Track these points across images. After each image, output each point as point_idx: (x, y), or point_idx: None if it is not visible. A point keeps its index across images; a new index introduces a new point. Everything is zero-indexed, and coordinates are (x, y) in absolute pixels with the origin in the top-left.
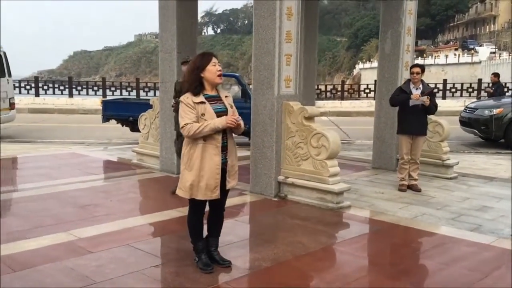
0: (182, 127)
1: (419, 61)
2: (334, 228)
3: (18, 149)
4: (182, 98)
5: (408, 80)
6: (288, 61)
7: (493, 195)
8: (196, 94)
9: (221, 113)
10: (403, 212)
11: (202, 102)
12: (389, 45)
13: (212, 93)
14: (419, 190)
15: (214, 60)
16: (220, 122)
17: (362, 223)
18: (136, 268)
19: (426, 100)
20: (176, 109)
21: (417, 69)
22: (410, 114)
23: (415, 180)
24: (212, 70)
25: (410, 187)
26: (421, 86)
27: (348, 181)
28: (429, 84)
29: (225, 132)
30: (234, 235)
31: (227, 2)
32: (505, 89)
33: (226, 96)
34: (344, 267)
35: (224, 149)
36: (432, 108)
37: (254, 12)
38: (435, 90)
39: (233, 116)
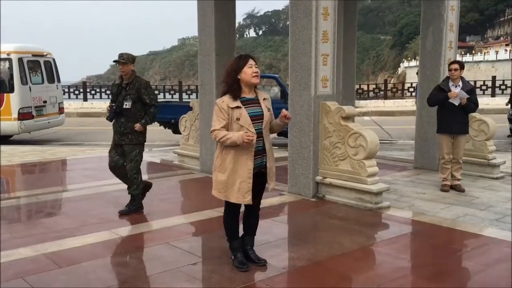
0: (212, 131)
1: (468, 57)
2: (372, 228)
3: (66, 152)
4: (218, 101)
5: (447, 78)
6: (325, 61)
7: None
8: (234, 97)
9: (257, 117)
10: (445, 212)
11: (238, 107)
12: (430, 42)
13: (250, 95)
14: (463, 191)
15: (250, 62)
16: (238, 138)
17: (401, 223)
18: (174, 266)
19: (464, 99)
20: (111, 115)
21: (456, 66)
22: (449, 113)
23: (458, 180)
24: (248, 72)
25: (453, 187)
26: (460, 83)
27: (389, 181)
28: (476, 81)
29: (261, 135)
30: (270, 235)
31: (269, 3)
32: None
33: (264, 99)
34: (380, 268)
35: (262, 152)
36: (471, 106)
37: (290, 13)
38: (483, 87)
39: (248, 135)
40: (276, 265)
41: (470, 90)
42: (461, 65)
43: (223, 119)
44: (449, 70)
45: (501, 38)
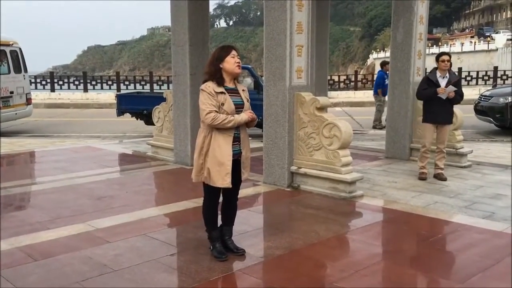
0: (207, 113)
1: (434, 49)
2: (346, 217)
3: (35, 143)
4: (203, 86)
5: (435, 69)
6: (300, 52)
7: (507, 183)
8: (218, 83)
9: (238, 105)
10: (416, 200)
11: (222, 92)
12: (401, 34)
13: (230, 85)
14: (445, 179)
15: (233, 52)
16: (242, 117)
17: (375, 212)
18: (152, 257)
19: (451, 93)
20: None
21: (447, 57)
22: (435, 104)
23: (441, 169)
24: (231, 61)
25: (436, 176)
26: (447, 75)
27: (361, 170)
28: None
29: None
30: (248, 225)
31: None
32: None
33: (243, 90)
34: (356, 255)
35: (238, 139)
36: (457, 98)
37: (265, 4)
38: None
39: (252, 112)
40: (255, 254)
41: (457, 82)
42: (450, 56)
43: (212, 104)
44: (441, 61)
45: (467, 30)
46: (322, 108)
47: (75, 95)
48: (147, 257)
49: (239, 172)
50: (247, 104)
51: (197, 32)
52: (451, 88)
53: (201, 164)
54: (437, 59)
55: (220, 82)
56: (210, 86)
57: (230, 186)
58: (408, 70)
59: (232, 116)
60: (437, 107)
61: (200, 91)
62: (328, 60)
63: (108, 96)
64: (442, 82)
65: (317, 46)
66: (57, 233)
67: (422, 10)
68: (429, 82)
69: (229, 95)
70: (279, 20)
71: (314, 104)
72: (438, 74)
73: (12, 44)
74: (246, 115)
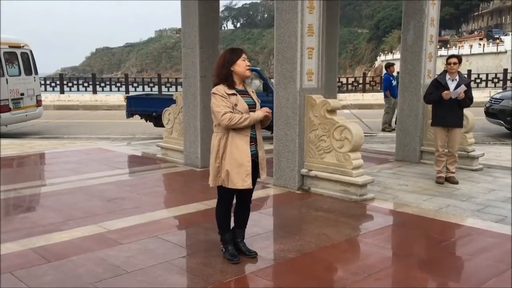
0: (222, 115)
1: (443, 51)
2: (357, 220)
3: (46, 145)
4: (214, 90)
5: (444, 72)
6: (310, 54)
7: None
8: (229, 86)
9: (250, 105)
10: (427, 204)
11: (234, 94)
12: (412, 36)
13: (240, 87)
14: (457, 183)
15: (244, 55)
16: (258, 114)
17: (386, 215)
18: (165, 259)
19: (461, 94)
20: None
21: (454, 60)
22: (444, 107)
23: (452, 172)
24: (242, 64)
25: (447, 179)
26: (457, 77)
27: (371, 173)
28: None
29: (253, 124)
30: (259, 227)
31: None
32: None
33: (252, 92)
34: (369, 258)
35: (254, 140)
36: (466, 101)
37: (276, 6)
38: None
39: (267, 109)
40: (267, 257)
41: (467, 85)
42: (460, 59)
43: (227, 106)
44: (448, 64)
45: (475, 33)
46: (333, 111)
47: (84, 97)
48: (160, 259)
49: (255, 174)
50: (258, 105)
51: (208, 33)
52: (462, 88)
53: (218, 168)
54: (446, 62)
55: (231, 84)
56: (222, 88)
57: (251, 187)
58: (419, 72)
59: (247, 114)
60: (445, 111)
61: (211, 94)
62: (337, 63)
63: (117, 98)
64: (451, 85)
65: (326, 49)
66: (70, 234)
67: (433, 12)
68: (438, 84)
69: (242, 96)
70: (290, 22)
71: (324, 107)
72: (448, 76)
73: (23, 46)
74: (261, 112)
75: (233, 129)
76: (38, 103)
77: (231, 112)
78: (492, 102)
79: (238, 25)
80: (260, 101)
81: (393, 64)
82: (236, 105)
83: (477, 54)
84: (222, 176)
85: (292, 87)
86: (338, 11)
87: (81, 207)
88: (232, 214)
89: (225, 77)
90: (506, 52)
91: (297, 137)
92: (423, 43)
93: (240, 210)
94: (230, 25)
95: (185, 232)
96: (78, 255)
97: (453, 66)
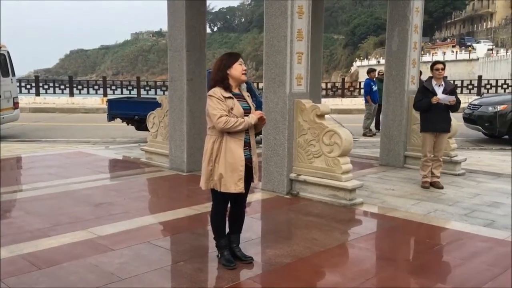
0: (218, 118)
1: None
2: (348, 224)
3: (25, 148)
4: (211, 92)
5: (430, 78)
6: (300, 59)
7: (503, 191)
8: (226, 89)
9: (245, 110)
10: (416, 208)
11: (230, 97)
12: (396, 42)
13: (236, 91)
14: (441, 187)
15: (240, 60)
16: (252, 118)
17: (376, 219)
18: (159, 265)
19: (452, 100)
20: None
21: (441, 65)
22: (433, 112)
23: (437, 177)
24: (238, 68)
25: (432, 184)
26: (443, 83)
27: (357, 178)
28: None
29: (247, 129)
30: (252, 232)
31: (224, 1)
32: None
33: (248, 96)
34: (364, 264)
35: (248, 144)
36: (456, 106)
37: (266, 10)
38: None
39: (261, 113)
40: (263, 262)
41: (452, 89)
42: (444, 65)
43: (222, 109)
44: (435, 70)
45: (448, 40)
46: (322, 115)
47: (61, 100)
48: (154, 265)
49: (249, 178)
50: (253, 109)
51: (195, 36)
52: (445, 99)
53: (210, 171)
54: (431, 68)
55: (227, 87)
56: (218, 91)
57: (243, 191)
58: (403, 78)
59: (242, 118)
60: (434, 116)
61: (208, 97)
62: (321, 68)
63: (95, 101)
64: (439, 90)
65: (311, 54)
66: (58, 240)
67: (416, 19)
68: (425, 91)
69: (238, 100)
70: (280, 27)
71: (314, 111)
72: (434, 82)
73: (0, 47)
74: (255, 115)
75: (227, 133)
76: (15, 105)
77: (227, 115)
78: (471, 108)
79: (215, 29)
80: (255, 106)
81: (374, 70)
82: (232, 108)
83: (450, 61)
84: (215, 179)
85: (282, 91)
86: (323, 16)
87: (67, 212)
88: (226, 219)
89: (221, 80)
90: (478, 59)
91: (286, 142)
92: (407, 50)
93: (234, 214)
94: (207, 29)
95: (177, 237)
96: (69, 262)
97: (441, 71)
